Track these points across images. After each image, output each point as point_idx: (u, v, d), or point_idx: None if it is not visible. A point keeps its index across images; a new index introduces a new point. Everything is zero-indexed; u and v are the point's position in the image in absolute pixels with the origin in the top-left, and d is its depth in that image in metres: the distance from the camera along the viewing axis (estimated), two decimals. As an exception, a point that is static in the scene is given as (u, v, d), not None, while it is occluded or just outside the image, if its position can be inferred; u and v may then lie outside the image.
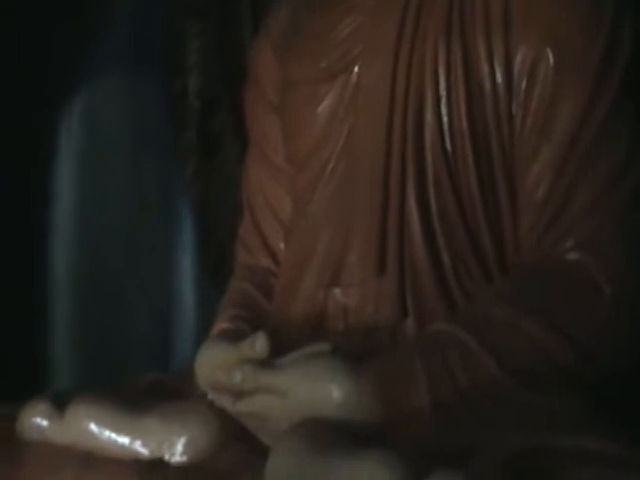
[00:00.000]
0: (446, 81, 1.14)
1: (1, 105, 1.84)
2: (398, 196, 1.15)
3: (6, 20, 1.87)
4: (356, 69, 1.20)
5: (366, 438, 0.93)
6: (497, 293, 1.09)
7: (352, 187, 1.19)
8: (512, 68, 1.13)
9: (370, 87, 1.18)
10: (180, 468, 1.06)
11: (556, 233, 1.10)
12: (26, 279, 1.89)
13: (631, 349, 1.08)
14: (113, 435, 1.09)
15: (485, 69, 1.14)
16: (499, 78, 1.13)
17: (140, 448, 1.08)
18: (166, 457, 1.07)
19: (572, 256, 1.09)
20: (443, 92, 1.15)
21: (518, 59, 1.13)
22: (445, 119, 1.15)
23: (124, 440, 1.08)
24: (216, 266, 1.85)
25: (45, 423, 1.12)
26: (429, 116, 1.15)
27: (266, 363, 1.03)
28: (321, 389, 0.99)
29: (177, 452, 1.07)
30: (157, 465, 1.07)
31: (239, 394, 1.03)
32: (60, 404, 1.12)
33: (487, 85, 1.14)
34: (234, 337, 1.13)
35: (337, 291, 1.18)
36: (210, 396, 1.10)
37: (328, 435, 0.94)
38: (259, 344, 1.04)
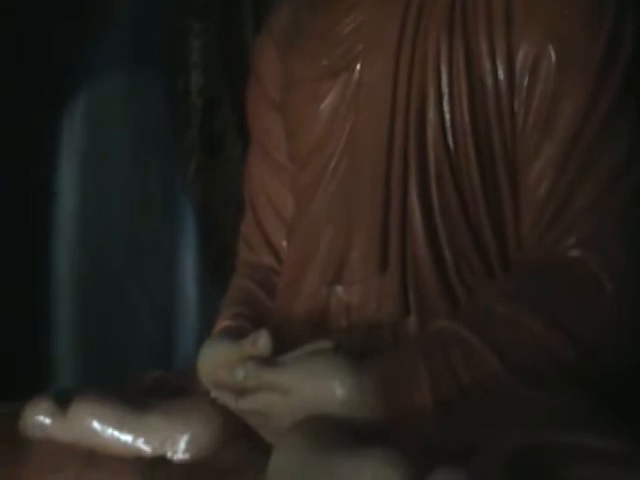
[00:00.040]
0: (448, 78, 1.14)
1: (2, 105, 1.84)
2: (400, 193, 1.15)
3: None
4: (358, 67, 1.20)
5: (369, 436, 0.93)
6: (499, 290, 1.09)
7: (354, 185, 1.19)
8: (514, 65, 1.13)
9: (372, 85, 1.18)
10: (183, 466, 1.06)
11: (558, 230, 1.10)
12: (28, 278, 1.89)
13: (633, 346, 1.08)
14: (116, 433, 1.09)
15: (487, 66, 1.14)
16: (501, 75, 1.13)
17: (143, 446, 1.08)
18: (169, 455, 1.07)
19: (574, 253, 1.09)
20: (445, 89, 1.15)
21: (520, 56, 1.13)
22: (447, 116, 1.15)
23: (127, 438, 1.08)
24: (218, 264, 1.86)
25: (48, 421, 1.12)
26: (431, 113, 1.15)
27: (268, 360, 1.03)
28: (324, 386, 0.99)
29: (180, 450, 1.07)
30: (160, 463, 1.07)
31: (241, 392, 1.03)
32: (63, 402, 1.12)
33: (489, 82, 1.14)
34: (236, 335, 1.13)
35: (339, 289, 1.18)
36: (213, 394, 1.10)
37: (331, 433, 0.94)
38: (262, 342, 1.04)
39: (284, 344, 1.05)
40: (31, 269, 1.90)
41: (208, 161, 1.95)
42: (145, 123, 1.97)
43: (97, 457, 1.08)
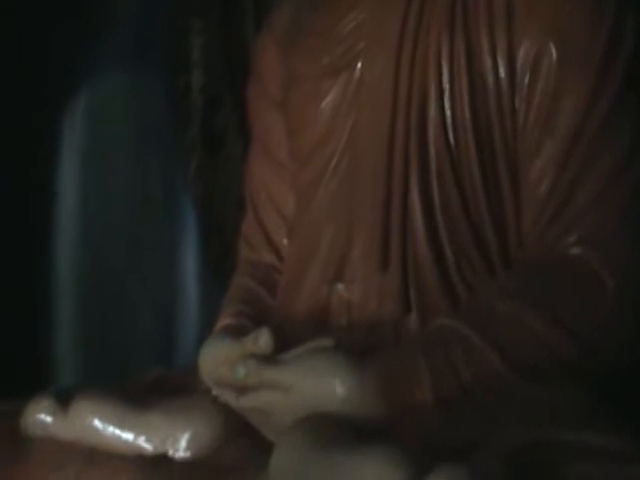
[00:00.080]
0: (449, 74, 1.14)
1: (3, 105, 1.84)
2: (401, 191, 1.15)
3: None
4: (359, 65, 1.20)
5: (370, 433, 0.93)
6: (500, 287, 1.09)
7: (355, 183, 1.19)
8: (515, 62, 1.13)
9: (373, 83, 1.18)
10: (184, 463, 1.06)
11: (559, 227, 1.10)
12: (30, 277, 1.90)
13: (634, 343, 1.08)
14: (117, 431, 1.09)
15: (488, 62, 1.14)
16: (502, 72, 1.13)
17: (144, 444, 1.08)
18: (170, 453, 1.08)
19: (575, 250, 1.09)
20: (446, 85, 1.15)
21: (521, 53, 1.13)
22: (448, 112, 1.15)
23: (128, 436, 1.09)
24: (219, 262, 1.86)
25: (49, 419, 1.12)
26: (432, 110, 1.15)
27: (269, 358, 1.03)
28: (324, 384, 0.99)
29: (181, 447, 1.07)
30: (161, 461, 1.07)
31: (243, 389, 1.03)
32: (64, 400, 1.13)
33: (490, 79, 1.14)
34: (237, 333, 1.13)
35: (340, 287, 1.18)
36: (214, 392, 1.10)
37: (332, 431, 0.94)
38: (263, 339, 1.04)
39: (285, 342, 1.05)
40: (32, 268, 1.90)
41: (209, 159, 1.95)
42: (146, 121, 1.97)
43: (98, 455, 1.08)
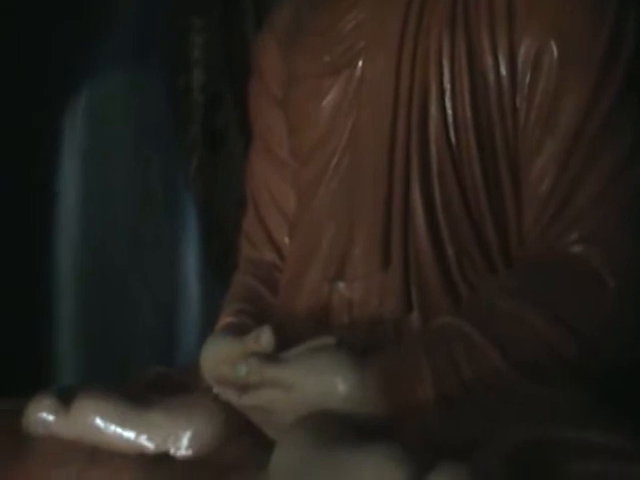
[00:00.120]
0: (450, 73, 1.14)
1: (3, 105, 1.84)
2: (402, 189, 1.15)
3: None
4: (360, 63, 1.20)
5: (371, 431, 0.93)
6: (501, 286, 1.09)
7: (356, 181, 1.19)
8: (516, 60, 1.13)
9: (374, 81, 1.18)
10: (185, 462, 1.06)
11: (560, 226, 1.10)
12: (31, 276, 1.90)
13: (635, 342, 1.08)
14: (118, 429, 1.09)
15: (489, 61, 1.14)
16: (503, 71, 1.13)
17: (145, 442, 1.08)
18: (171, 451, 1.08)
19: (576, 249, 1.09)
20: (447, 85, 1.15)
21: (522, 51, 1.13)
22: (449, 111, 1.15)
23: (129, 434, 1.09)
24: (220, 260, 1.86)
25: (51, 418, 1.12)
26: (433, 109, 1.15)
27: (271, 357, 1.03)
28: (326, 382, 0.99)
29: (182, 446, 1.07)
30: (162, 459, 1.07)
31: (244, 388, 1.03)
32: (66, 399, 1.13)
33: (491, 77, 1.14)
34: (239, 331, 1.13)
35: (342, 285, 1.18)
36: (215, 390, 1.10)
37: (333, 428, 0.94)
38: (265, 338, 1.04)
39: (286, 340, 1.06)
40: (34, 266, 1.91)
41: (210, 157, 1.95)
42: (147, 120, 1.97)
43: (100, 454, 1.08)
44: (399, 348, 1.06)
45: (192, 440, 1.07)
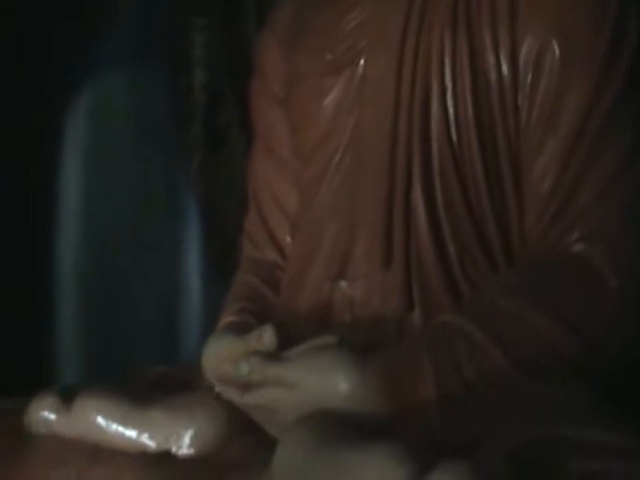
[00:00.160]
0: (452, 72, 1.14)
1: (4, 105, 1.84)
2: (404, 188, 1.15)
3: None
4: (362, 62, 1.20)
5: (373, 430, 0.93)
6: (503, 285, 1.09)
7: (358, 180, 1.19)
8: (518, 59, 1.13)
9: (376, 80, 1.18)
10: (187, 461, 1.07)
11: (562, 225, 1.10)
12: (32, 275, 1.90)
13: (637, 341, 1.07)
14: (120, 428, 1.09)
15: (491, 60, 1.14)
16: (505, 70, 1.13)
17: (147, 441, 1.08)
18: (173, 450, 1.08)
19: (578, 248, 1.09)
20: (449, 83, 1.15)
21: (524, 50, 1.13)
22: (451, 110, 1.15)
23: (131, 433, 1.09)
24: (222, 260, 1.86)
25: (53, 416, 1.12)
26: (435, 107, 1.15)
27: (273, 355, 1.03)
28: (328, 381, 0.99)
29: (184, 445, 1.07)
30: (164, 458, 1.07)
31: (246, 386, 1.03)
32: (67, 398, 1.13)
33: (493, 76, 1.14)
34: (240, 330, 1.13)
35: (343, 284, 1.18)
36: (217, 389, 1.10)
37: (335, 427, 0.94)
38: (267, 336, 1.04)
39: (288, 339, 1.06)
40: (34, 266, 1.91)
41: (212, 157, 1.95)
42: (148, 119, 1.97)
43: (101, 452, 1.08)
44: (400, 347, 1.06)
45: (194, 439, 1.07)
